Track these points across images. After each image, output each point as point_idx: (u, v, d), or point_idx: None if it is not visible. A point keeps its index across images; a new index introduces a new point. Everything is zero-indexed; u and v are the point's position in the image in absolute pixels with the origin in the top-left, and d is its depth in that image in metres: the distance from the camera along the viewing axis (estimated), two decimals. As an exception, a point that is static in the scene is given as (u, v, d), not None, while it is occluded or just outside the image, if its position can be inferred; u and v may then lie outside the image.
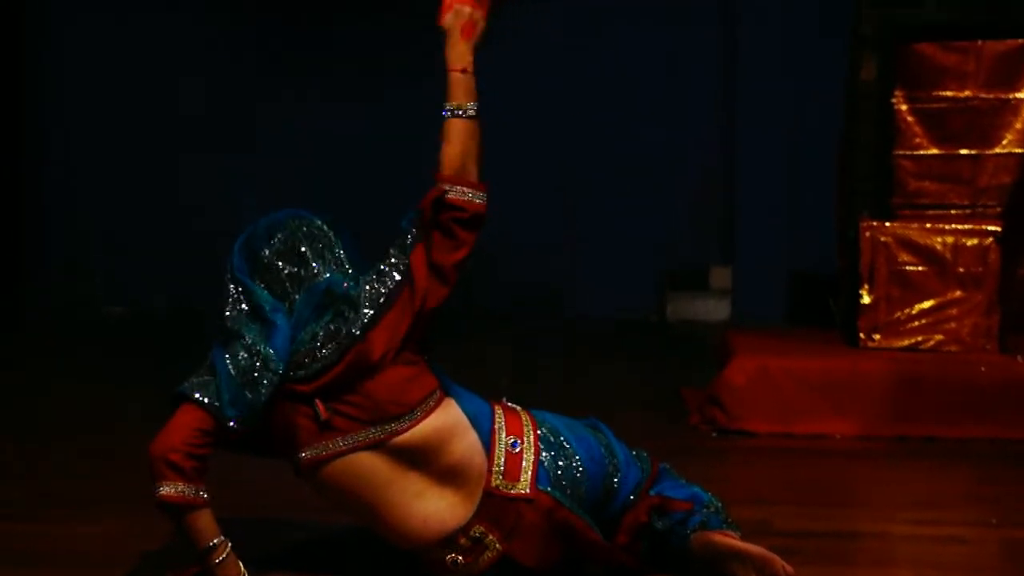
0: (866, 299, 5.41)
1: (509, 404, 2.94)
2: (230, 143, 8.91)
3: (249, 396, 2.73)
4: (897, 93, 5.71)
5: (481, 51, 2.93)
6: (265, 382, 2.73)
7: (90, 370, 6.54)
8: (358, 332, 2.75)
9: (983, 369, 5.01)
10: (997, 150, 5.63)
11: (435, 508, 2.75)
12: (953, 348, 5.30)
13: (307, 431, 2.77)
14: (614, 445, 2.95)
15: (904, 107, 5.72)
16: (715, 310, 8.55)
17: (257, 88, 8.96)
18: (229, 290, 2.85)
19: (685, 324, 8.29)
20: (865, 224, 5.51)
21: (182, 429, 2.74)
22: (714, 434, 4.95)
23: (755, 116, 8.48)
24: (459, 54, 2.93)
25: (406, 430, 2.74)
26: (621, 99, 8.77)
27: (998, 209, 5.59)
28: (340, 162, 8.87)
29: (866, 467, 4.41)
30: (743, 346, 5.41)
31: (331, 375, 2.75)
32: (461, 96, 2.91)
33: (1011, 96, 5.61)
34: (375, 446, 2.73)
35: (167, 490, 2.70)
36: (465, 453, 2.77)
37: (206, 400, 2.74)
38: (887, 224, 5.51)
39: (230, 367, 2.74)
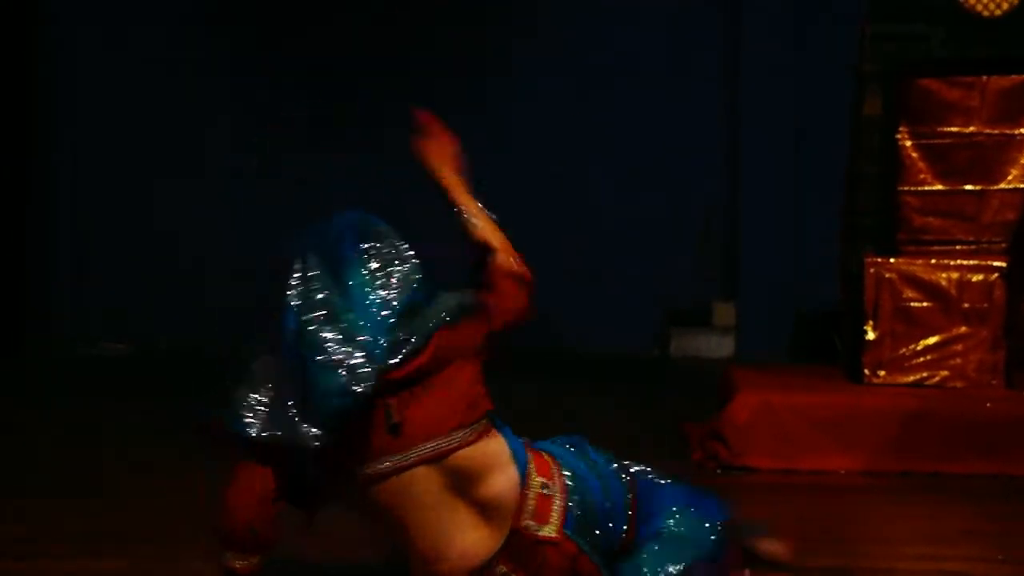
0: (871, 335, 5.38)
1: (530, 443, 2.90)
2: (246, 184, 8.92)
3: (338, 402, 2.57)
4: (902, 128, 5.70)
5: None
6: (364, 380, 2.58)
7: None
8: (448, 317, 2.70)
9: (988, 405, 4.98)
10: (1002, 186, 5.62)
11: (471, 540, 2.69)
12: (958, 384, 5.27)
13: (376, 437, 2.64)
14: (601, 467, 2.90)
15: (908, 142, 5.71)
16: (718, 346, 8.53)
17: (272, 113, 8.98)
18: (305, 288, 2.68)
19: (688, 360, 8.27)
20: (870, 260, 5.49)
21: (256, 486, 2.59)
22: (718, 471, 4.91)
23: (759, 151, 8.48)
24: (459, 188, 2.92)
25: (468, 444, 2.67)
26: (624, 137, 8.79)
27: (1003, 245, 5.57)
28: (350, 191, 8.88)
29: (870, 503, 4.37)
30: (746, 382, 5.38)
31: (413, 365, 2.66)
32: (470, 200, 2.92)
33: (1016, 132, 5.60)
34: (435, 460, 2.66)
35: (242, 564, 2.60)
36: (504, 487, 2.71)
37: (279, 433, 2.59)
38: (891, 260, 5.49)
39: (320, 368, 2.59)
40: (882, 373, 5.35)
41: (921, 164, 5.71)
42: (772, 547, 2.98)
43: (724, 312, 8.80)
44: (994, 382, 5.28)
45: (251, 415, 2.63)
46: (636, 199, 8.72)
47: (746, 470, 4.86)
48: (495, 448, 2.73)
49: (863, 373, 5.36)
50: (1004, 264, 5.39)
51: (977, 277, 5.35)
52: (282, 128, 8.99)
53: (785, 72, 8.42)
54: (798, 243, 8.38)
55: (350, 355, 2.58)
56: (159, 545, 3.52)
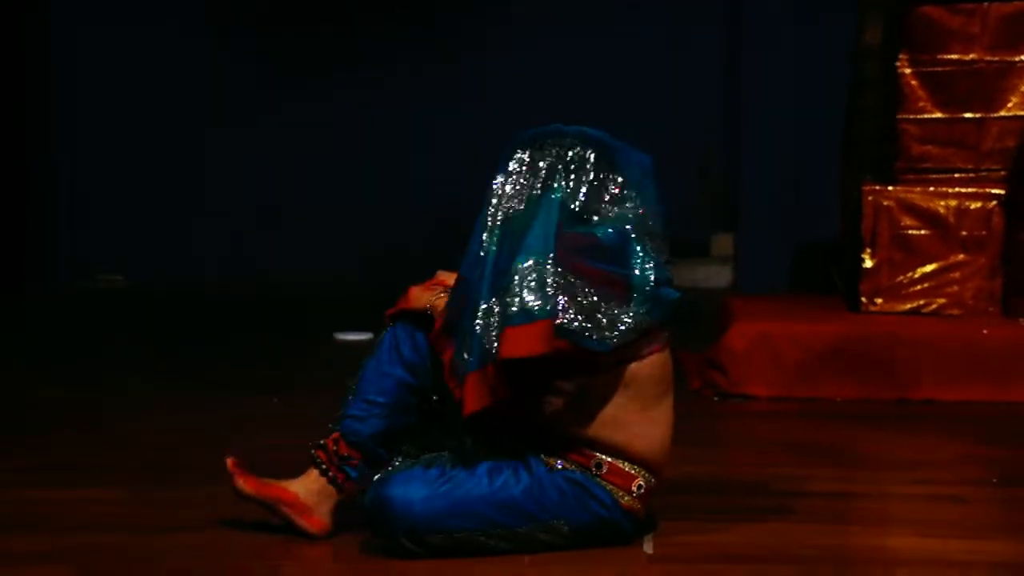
0: (868, 263, 5.39)
1: None
2: (241, 121, 8.92)
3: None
4: (902, 56, 5.66)
5: None
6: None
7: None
8: None
9: (985, 332, 4.99)
10: (1002, 113, 5.59)
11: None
12: (955, 311, 5.29)
13: None
14: None
15: (908, 71, 5.67)
16: (717, 276, 8.54)
17: (265, 69, 8.96)
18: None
19: (686, 291, 8.26)
20: (868, 188, 5.48)
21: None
22: (715, 398, 4.94)
23: (759, 82, 8.44)
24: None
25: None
26: (624, 64, 8.75)
27: (1002, 173, 5.55)
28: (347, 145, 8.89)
29: (866, 429, 4.40)
30: (744, 311, 5.40)
31: None
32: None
33: (1017, 59, 5.56)
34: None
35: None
36: None
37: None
38: (890, 188, 5.48)
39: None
40: (879, 301, 5.36)
41: (921, 92, 5.67)
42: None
43: (722, 243, 8.81)
44: (991, 309, 5.29)
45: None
46: (635, 131, 8.67)
47: (744, 398, 4.89)
48: None
49: (860, 301, 5.38)
50: (1003, 192, 5.38)
51: (975, 205, 5.35)
52: (282, 68, 8.97)
53: (785, 2, 8.37)
54: (797, 173, 8.37)
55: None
56: (156, 475, 3.55)
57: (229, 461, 2.88)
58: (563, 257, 2.66)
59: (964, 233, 5.34)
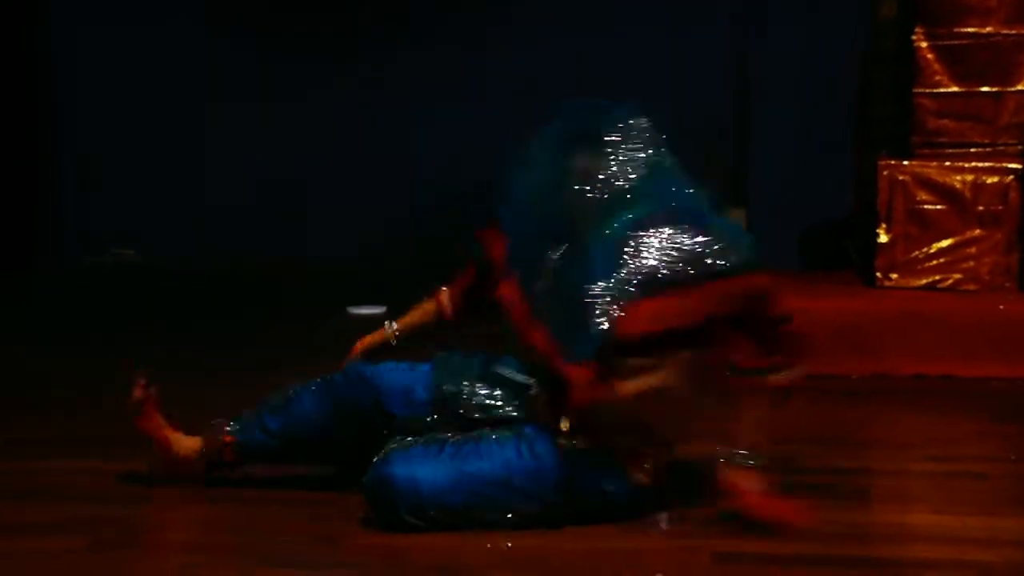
0: (883, 238, 5.36)
1: None
2: (253, 96, 8.90)
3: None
4: (918, 30, 5.62)
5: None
6: None
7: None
8: None
9: (1002, 307, 4.97)
10: (1019, 87, 5.54)
11: None
12: (971, 287, 5.26)
13: None
14: None
15: (924, 44, 5.62)
16: (729, 253, 8.50)
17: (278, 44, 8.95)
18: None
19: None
20: (883, 163, 5.45)
21: None
22: (730, 375, 4.91)
23: (770, 57, 8.39)
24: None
25: None
26: (631, 44, 8.70)
27: (1019, 147, 5.51)
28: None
29: (883, 406, 4.38)
30: (759, 286, 5.37)
31: None
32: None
33: (1034, 32, 5.53)
34: None
35: None
36: None
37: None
38: (905, 162, 5.45)
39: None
40: (895, 276, 5.34)
41: (937, 66, 5.63)
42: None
43: (735, 219, 8.76)
44: (1007, 284, 5.26)
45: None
46: (646, 106, 8.65)
47: (759, 373, 4.86)
48: None
49: (876, 276, 5.35)
50: (1019, 166, 5.35)
51: (992, 179, 5.31)
52: (288, 45, 8.95)
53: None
54: (810, 149, 8.32)
55: None
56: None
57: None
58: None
59: (980, 208, 5.31)
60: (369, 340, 3.18)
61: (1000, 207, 5.28)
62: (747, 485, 2.81)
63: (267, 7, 8.98)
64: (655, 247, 2.73)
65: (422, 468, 2.69)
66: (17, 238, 8.35)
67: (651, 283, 2.71)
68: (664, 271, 2.73)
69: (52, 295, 7.50)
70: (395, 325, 3.17)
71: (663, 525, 2.77)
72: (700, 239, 2.78)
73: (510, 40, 8.54)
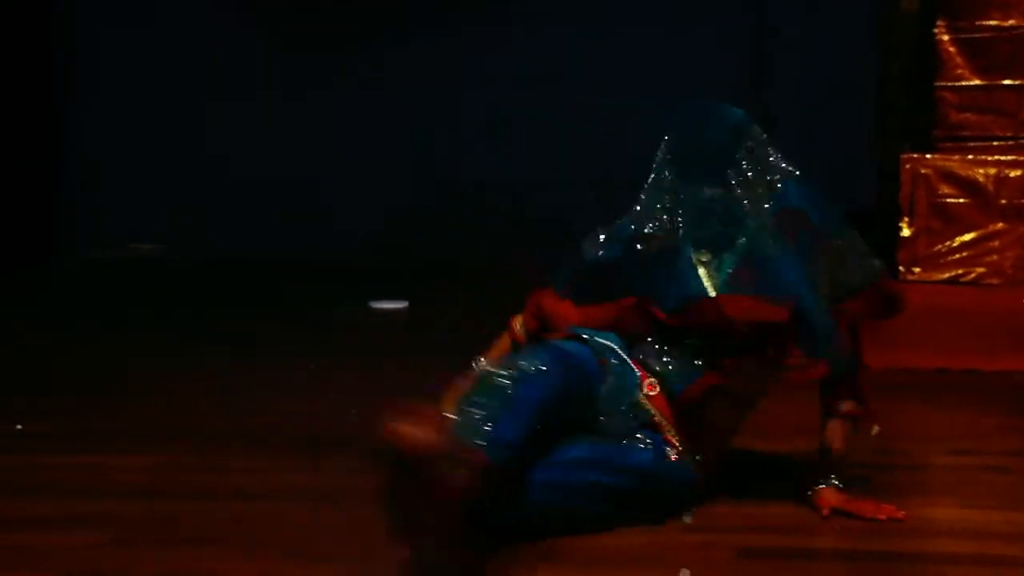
0: (906, 232, 5.35)
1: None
2: (262, 90, 8.92)
3: None
4: (939, 23, 5.60)
5: None
6: None
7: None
8: None
9: (1025, 301, 4.95)
10: (1041, 80, 5.53)
11: None
12: (995, 280, 5.24)
13: None
14: None
15: (946, 37, 5.61)
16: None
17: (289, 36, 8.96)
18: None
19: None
20: (906, 156, 5.43)
21: None
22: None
23: (788, 50, 8.39)
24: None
25: None
26: (648, 32, 8.68)
27: (1042, 140, 5.50)
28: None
29: (906, 400, 4.37)
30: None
31: None
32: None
33: (1056, 25, 5.50)
34: None
35: None
36: None
37: None
38: (927, 156, 5.43)
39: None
40: (917, 270, 5.32)
41: (959, 59, 5.61)
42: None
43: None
44: (1031, 278, 5.25)
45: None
46: (665, 99, 8.63)
47: (782, 367, 4.85)
48: None
49: (898, 270, 5.34)
50: (1042, 160, 5.33)
51: (1015, 173, 5.29)
52: (299, 37, 8.96)
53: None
54: (829, 143, 8.30)
55: None
56: (186, 442, 3.56)
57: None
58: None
59: (1003, 201, 5.29)
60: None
61: (1023, 200, 5.26)
62: (840, 499, 2.88)
63: (271, 4, 9.01)
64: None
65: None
66: (34, 234, 8.39)
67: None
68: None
69: (68, 289, 7.53)
70: (483, 360, 2.92)
71: (687, 519, 2.77)
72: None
73: (509, 35, 8.56)
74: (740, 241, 2.84)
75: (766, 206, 2.87)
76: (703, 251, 2.84)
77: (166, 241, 8.95)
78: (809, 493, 2.89)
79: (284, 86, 8.95)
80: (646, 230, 2.91)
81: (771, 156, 2.90)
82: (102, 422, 3.87)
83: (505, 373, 2.54)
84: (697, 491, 2.84)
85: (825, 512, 2.83)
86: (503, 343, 3.05)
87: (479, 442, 2.39)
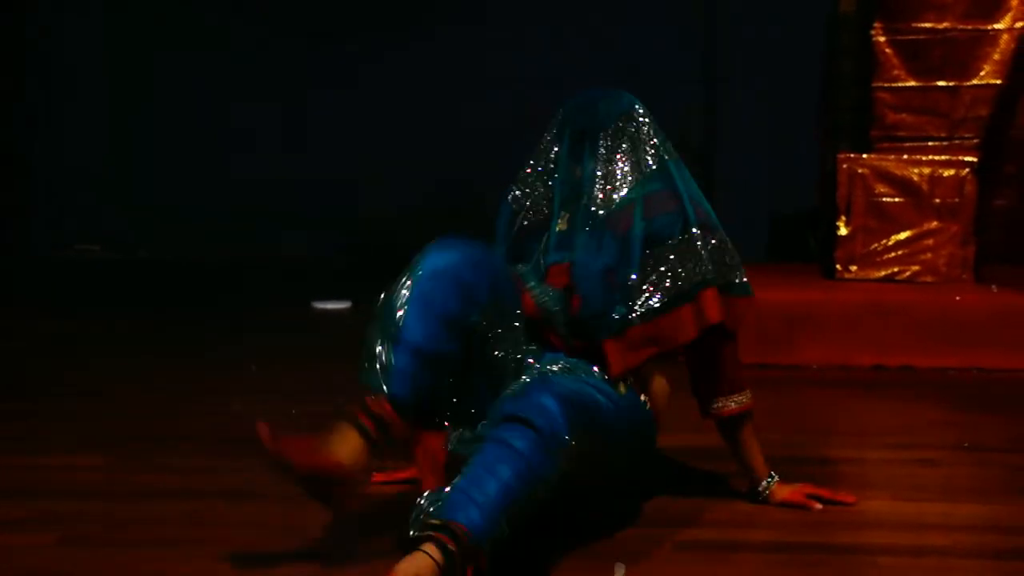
0: (843, 231, 5.43)
1: None
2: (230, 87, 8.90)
3: None
4: (876, 24, 5.70)
5: None
6: None
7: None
8: None
9: (958, 299, 5.04)
10: (975, 81, 5.65)
11: None
12: (929, 279, 5.34)
13: None
14: None
15: (883, 39, 5.71)
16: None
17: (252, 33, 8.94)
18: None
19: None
20: (843, 156, 5.52)
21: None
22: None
23: (735, 52, 8.46)
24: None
25: None
26: (598, 40, 8.74)
27: (975, 140, 5.62)
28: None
29: (843, 396, 4.45)
30: (721, 278, 5.43)
31: None
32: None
33: (989, 27, 5.62)
34: None
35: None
36: None
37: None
38: (864, 156, 5.53)
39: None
40: (854, 268, 5.41)
41: (895, 60, 5.72)
42: None
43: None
44: (964, 276, 5.35)
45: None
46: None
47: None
48: None
49: (835, 269, 5.42)
50: (976, 159, 5.43)
51: (948, 172, 5.39)
52: (266, 35, 8.94)
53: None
54: (773, 143, 8.40)
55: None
56: (136, 442, 3.57)
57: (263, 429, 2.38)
58: (702, 219, 2.80)
59: (937, 200, 5.39)
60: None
61: (956, 200, 5.37)
62: (793, 491, 2.94)
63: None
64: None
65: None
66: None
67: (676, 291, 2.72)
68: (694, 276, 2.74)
69: (22, 289, 7.47)
70: None
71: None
72: (718, 244, 2.81)
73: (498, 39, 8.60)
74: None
75: (630, 190, 2.83)
76: (559, 219, 2.85)
77: (114, 240, 8.91)
78: (766, 493, 2.94)
79: (261, 87, 8.92)
80: (529, 213, 2.91)
81: (652, 140, 2.88)
82: (49, 424, 3.87)
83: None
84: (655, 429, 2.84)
85: (808, 503, 2.90)
86: None
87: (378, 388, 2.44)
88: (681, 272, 2.73)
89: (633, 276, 2.70)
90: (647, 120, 2.89)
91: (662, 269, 2.73)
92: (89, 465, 3.31)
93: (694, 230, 2.77)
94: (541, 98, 8.75)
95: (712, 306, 2.74)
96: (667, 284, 2.72)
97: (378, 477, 3.00)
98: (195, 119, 8.94)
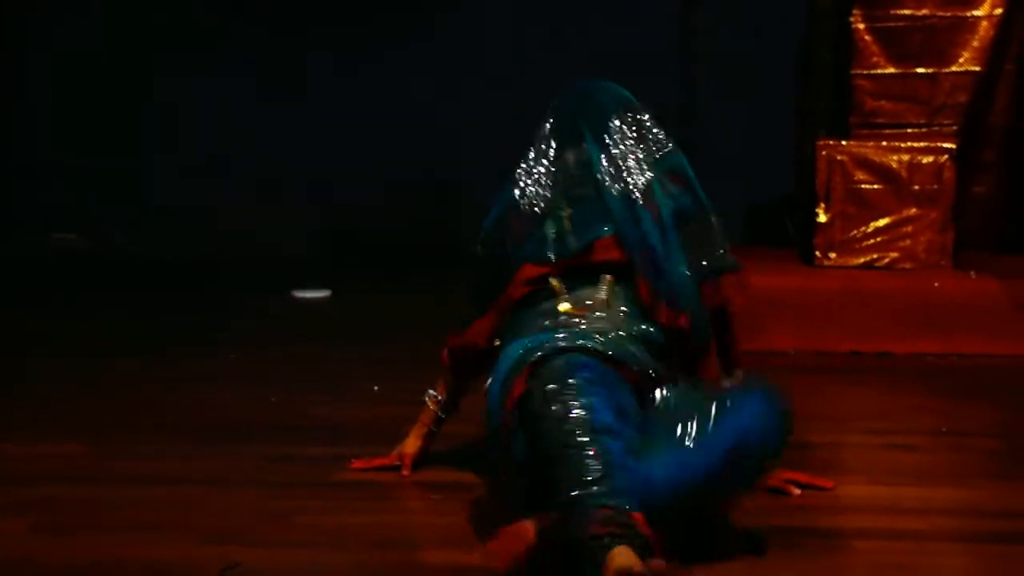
0: (822, 217, 5.44)
1: None
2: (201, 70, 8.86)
3: None
4: (855, 12, 5.70)
5: None
6: None
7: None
8: None
9: (937, 285, 5.06)
10: (953, 68, 5.66)
11: None
12: (908, 265, 5.35)
13: None
14: None
15: (862, 26, 5.71)
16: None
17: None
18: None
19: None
20: (822, 143, 5.53)
21: None
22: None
23: (715, 37, 8.47)
24: None
25: None
26: (576, 26, 8.73)
27: (954, 127, 5.62)
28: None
29: (821, 381, 4.45)
30: (699, 265, 5.43)
31: None
32: None
33: (968, 14, 5.63)
34: None
35: None
36: None
37: None
38: (843, 143, 5.53)
39: None
40: (833, 255, 5.42)
41: (874, 47, 5.72)
42: None
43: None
44: (943, 263, 5.37)
45: None
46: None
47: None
48: None
49: (815, 255, 5.43)
50: (954, 146, 5.44)
51: (927, 159, 5.40)
52: (245, 24, 8.91)
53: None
54: (752, 128, 8.40)
55: None
56: (113, 430, 3.55)
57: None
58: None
59: (916, 187, 5.40)
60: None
61: (935, 186, 5.38)
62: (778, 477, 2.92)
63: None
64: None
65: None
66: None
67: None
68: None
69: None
70: (433, 392, 3.05)
71: None
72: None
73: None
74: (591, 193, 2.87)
75: (647, 172, 2.88)
76: (564, 206, 2.88)
77: (92, 231, 8.87)
78: None
79: (229, 68, 8.88)
80: (521, 204, 2.92)
81: (655, 129, 2.94)
82: (23, 412, 3.85)
83: (578, 436, 2.41)
84: None
85: (787, 488, 2.89)
86: (446, 377, 3.05)
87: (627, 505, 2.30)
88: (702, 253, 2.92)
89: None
90: (643, 107, 2.94)
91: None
92: (62, 453, 3.30)
93: (709, 213, 2.95)
94: (535, 97, 8.83)
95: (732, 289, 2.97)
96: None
97: (357, 464, 3.03)
98: (193, 118, 8.90)
